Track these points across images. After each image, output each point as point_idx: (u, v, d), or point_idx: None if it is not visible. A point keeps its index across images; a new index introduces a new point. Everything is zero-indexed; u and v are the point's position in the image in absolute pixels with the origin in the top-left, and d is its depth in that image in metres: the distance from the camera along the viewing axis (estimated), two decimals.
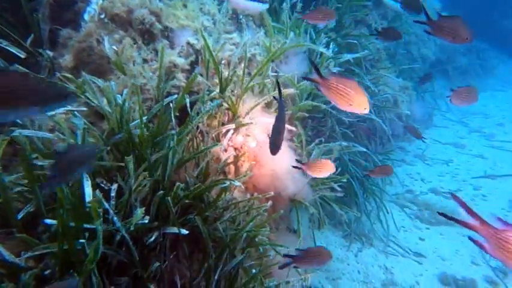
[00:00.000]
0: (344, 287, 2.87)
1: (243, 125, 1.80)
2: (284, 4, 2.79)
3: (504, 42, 10.03)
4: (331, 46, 2.71)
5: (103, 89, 1.55)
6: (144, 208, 1.26)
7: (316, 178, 2.15)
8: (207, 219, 1.59)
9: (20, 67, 1.52)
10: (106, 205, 1.15)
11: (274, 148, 1.31)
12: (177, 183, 1.35)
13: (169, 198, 1.27)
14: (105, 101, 1.65)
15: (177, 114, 1.94)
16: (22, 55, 1.53)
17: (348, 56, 2.88)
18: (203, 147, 1.67)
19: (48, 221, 1.07)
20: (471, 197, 4.18)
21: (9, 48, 1.52)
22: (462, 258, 3.22)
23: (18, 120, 1.39)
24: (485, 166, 4.84)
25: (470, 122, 6.70)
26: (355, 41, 3.71)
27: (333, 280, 2.91)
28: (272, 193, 1.74)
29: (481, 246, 0.96)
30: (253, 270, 1.50)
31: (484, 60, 9.00)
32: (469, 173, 4.73)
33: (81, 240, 1.10)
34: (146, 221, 1.18)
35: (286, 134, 2.43)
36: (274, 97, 1.73)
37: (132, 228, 1.16)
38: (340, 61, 2.83)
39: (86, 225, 1.11)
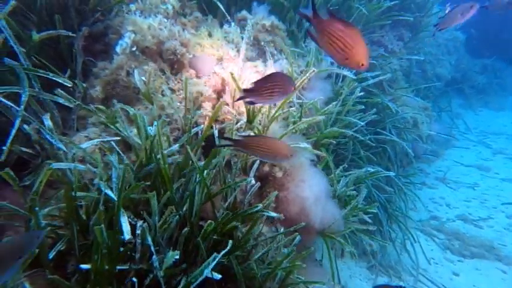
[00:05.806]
0: None
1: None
2: (303, 31, 2.83)
3: None
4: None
5: (134, 117, 1.55)
6: (171, 249, 1.19)
7: (345, 210, 2.04)
8: (237, 256, 1.50)
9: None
10: (149, 241, 1.09)
11: None
12: (209, 221, 1.29)
13: (199, 239, 1.20)
14: (134, 131, 1.65)
15: (203, 143, 1.93)
16: (68, 84, 1.61)
17: (371, 80, 2.85)
18: (231, 181, 1.62)
19: (84, 266, 1.02)
20: (505, 225, 3.89)
21: (55, 79, 1.60)
22: None
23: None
24: None
25: (493, 142, 6.44)
26: (374, 62, 3.71)
27: None
28: (303, 224, 1.64)
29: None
30: None
31: (502, 78, 8.83)
32: (498, 198, 4.45)
33: None
34: (177, 256, 1.10)
35: (313, 158, 2.35)
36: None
37: (162, 272, 1.09)
38: (363, 84, 2.79)
39: (119, 267, 1.05)
